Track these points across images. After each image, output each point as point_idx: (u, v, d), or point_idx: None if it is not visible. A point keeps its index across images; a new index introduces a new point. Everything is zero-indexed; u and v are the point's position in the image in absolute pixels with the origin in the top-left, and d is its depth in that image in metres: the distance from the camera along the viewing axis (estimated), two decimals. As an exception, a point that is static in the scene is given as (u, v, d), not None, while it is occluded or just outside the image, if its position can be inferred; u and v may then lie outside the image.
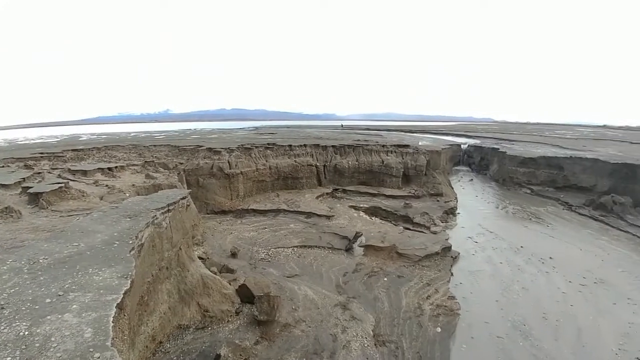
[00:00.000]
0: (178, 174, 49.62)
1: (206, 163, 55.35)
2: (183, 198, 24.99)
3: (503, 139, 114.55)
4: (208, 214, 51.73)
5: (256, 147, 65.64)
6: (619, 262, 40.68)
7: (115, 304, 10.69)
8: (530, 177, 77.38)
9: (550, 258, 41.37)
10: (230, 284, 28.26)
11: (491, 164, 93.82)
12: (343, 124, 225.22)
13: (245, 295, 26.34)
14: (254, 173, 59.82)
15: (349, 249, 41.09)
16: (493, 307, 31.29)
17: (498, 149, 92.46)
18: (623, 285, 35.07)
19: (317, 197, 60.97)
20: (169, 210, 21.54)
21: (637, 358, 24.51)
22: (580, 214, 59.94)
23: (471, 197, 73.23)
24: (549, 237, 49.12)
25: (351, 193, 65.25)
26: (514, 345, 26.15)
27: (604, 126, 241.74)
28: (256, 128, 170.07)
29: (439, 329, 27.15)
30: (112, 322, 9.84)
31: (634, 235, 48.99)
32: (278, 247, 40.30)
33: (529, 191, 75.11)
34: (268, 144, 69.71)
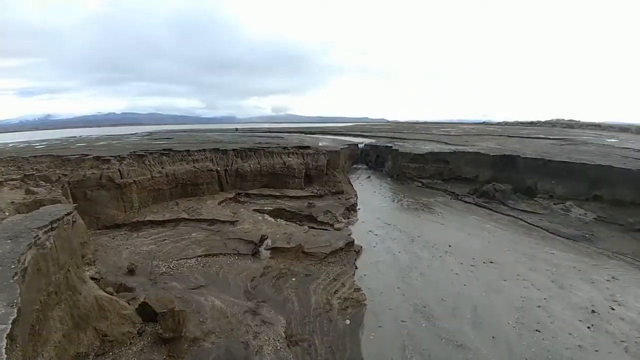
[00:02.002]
0: (62, 187, 44.57)
1: (93, 173, 50.44)
2: (68, 214, 22.67)
3: (396, 138, 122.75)
4: (99, 229, 47.20)
5: (150, 153, 61.76)
6: (504, 243, 46.36)
7: (5, 335, 9.84)
8: (421, 172, 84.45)
9: (443, 244, 45.54)
10: (129, 303, 26.38)
11: (386, 161, 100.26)
12: (238, 128, 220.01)
13: (147, 313, 24.75)
14: (149, 182, 56.12)
15: (255, 254, 40.87)
16: (396, 294, 33.61)
17: (391, 147, 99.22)
18: (510, 263, 39.92)
19: (220, 203, 59.45)
20: (52, 229, 19.41)
21: (537, 330, 27.58)
22: (466, 202, 67.32)
23: (370, 193, 77.65)
24: (440, 225, 54.23)
25: (255, 196, 64.88)
26: (418, 327, 28.39)
27: (484, 123, 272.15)
28: (150, 133, 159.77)
29: (348, 321, 28.40)
30: (5, 354, 9.14)
31: (515, 218, 56.36)
32: (180, 259, 38.39)
33: (420, 184, 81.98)
34: (164, 149, 66.13)
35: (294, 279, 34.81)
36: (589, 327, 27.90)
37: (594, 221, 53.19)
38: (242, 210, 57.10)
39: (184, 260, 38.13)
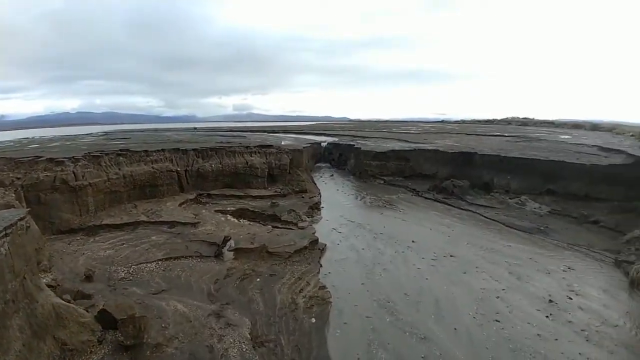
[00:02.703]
0: (15, 191, 42.35)
1: (47, 176, 48.15)
2: (21, 219, 21.89)
3: (358, 136, 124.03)
4: (54, 234, 45.19)
5: (106, 154, 59.48)
6: (463, 237, 48.15)
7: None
8: (383, 169, 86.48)
9: (406, 240, 46.82)
10: (87, 310, 25.63)
11: (349, 160, 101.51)
12: (196, 127, 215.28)
13: (107, 320, 24.14)
14: (105, 184, 54.18)
15: (218, 255, 40.51)
16: (360, 291, 34.34)
17: (354, 145, 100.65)
18: (470, 256, 41.57)
19: (180, 205, 58.36)
20: (6, 235, 18.77)
21: (496, 320, 28.76)
22: (426, 198, 69.68)
23: (333, 191, 78.61)
24: (402, 221, 55.80)
25: (216, 197, 64.19)
26: (382, 322, 29.18)
27: (442, 121, 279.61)
28: (106, 133, 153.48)
29: (313, 320, 28.79)
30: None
31: (474, 212, 58.79)
32: (140, 263, 37.39)
33: (382, 182, 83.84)
34: (121, 150, 63.94)
35: (258, 280, 34.86)
36: (547, 317, 29.06)
37: (548, 214, 56.28)
38: (203, 211, 56.35)
39: (144, 265, 37.20)
